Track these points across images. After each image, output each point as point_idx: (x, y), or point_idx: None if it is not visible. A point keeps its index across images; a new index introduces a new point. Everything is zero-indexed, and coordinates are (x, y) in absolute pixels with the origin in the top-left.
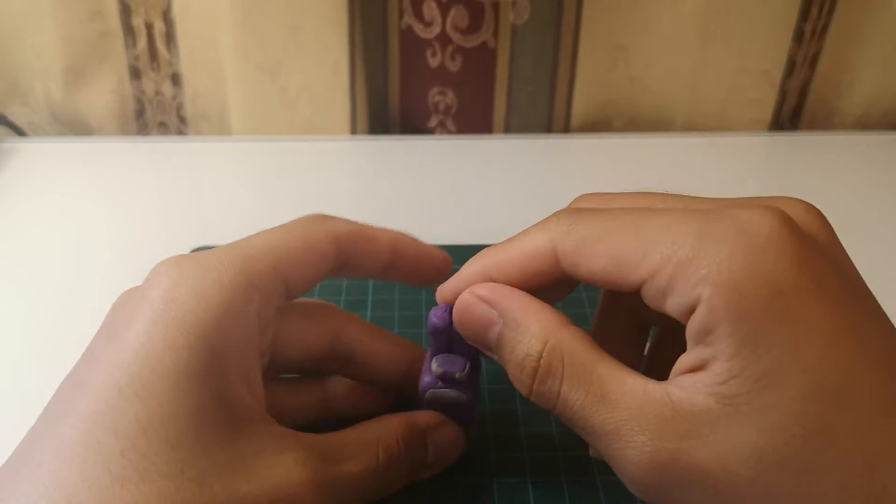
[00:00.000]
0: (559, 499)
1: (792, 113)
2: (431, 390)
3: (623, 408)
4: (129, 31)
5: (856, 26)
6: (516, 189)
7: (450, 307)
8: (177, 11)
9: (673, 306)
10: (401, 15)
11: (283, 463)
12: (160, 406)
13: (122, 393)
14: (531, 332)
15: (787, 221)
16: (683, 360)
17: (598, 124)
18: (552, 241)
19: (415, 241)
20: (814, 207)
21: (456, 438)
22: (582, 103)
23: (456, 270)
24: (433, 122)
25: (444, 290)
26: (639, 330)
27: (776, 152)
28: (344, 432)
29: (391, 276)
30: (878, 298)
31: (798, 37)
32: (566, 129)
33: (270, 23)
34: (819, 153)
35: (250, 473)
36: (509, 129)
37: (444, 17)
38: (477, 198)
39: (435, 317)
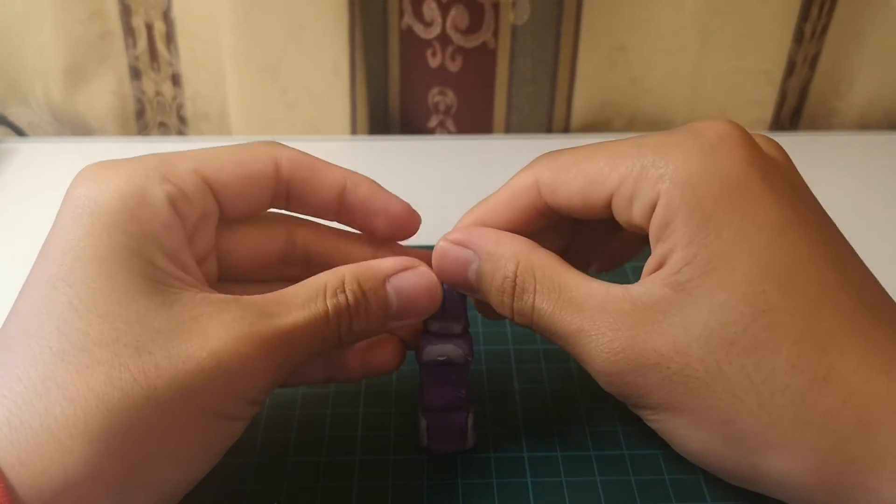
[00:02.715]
0: (559, 499)
1: (792, 113)
2: (429, 347)
3: (587, 308)
4: (129, 31)
5: (856, 26)
6: None
7: None
8: (177, 11)
9: (638, 212)
10: (401, 15)
11: (222, 322)
12: (87, 287)
13: (51, 283)
14: (505, 258)
15: (739, 129)
16: (647, 265)
17: (598, 124)
18: (535, 175)
19: (372, 184)
20: (774, 141)
21: (427, 284)
22: (582, 103)
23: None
24: (433, 122)
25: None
26: None
27: None
28: (289, 288)
29: (345, 218)
30: None
31: (798, 37)
32: (566, 129)
33: (270, 23)
34: (819, 153)
35: (187, 335)
36: (509, 129)
37: (444, 18)
38: (477, 198)
39: None
